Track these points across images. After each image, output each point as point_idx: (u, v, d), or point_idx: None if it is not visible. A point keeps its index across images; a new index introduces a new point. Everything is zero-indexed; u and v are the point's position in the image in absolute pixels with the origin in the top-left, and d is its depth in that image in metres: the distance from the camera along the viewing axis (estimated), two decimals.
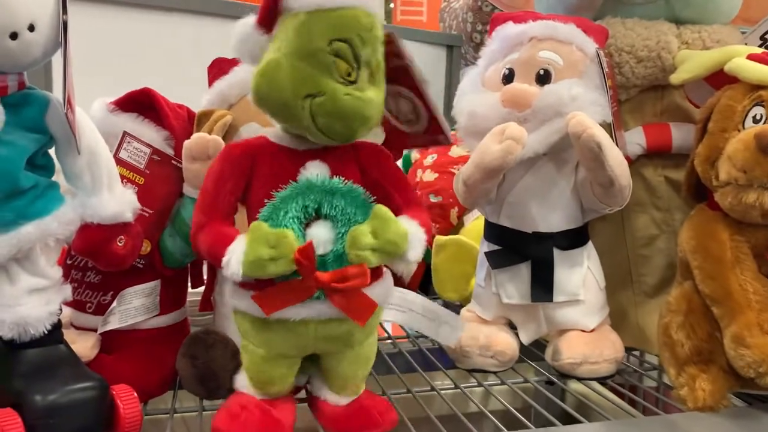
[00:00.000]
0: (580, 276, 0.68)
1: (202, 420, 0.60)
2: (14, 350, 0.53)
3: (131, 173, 0.63)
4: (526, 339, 0.71)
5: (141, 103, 0.66)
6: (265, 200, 0.51)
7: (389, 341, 0.86)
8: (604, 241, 0.76)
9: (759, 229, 0.62)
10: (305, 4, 0.49)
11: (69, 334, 0.60)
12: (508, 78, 0.66)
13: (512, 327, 0.73)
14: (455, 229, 0.99)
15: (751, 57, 0.62)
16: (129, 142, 0.63)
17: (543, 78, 0.65)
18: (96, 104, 0.65)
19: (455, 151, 1.05)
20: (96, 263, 0.58)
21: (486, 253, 0.70)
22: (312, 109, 0.49)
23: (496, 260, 0.68)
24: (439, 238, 0.88)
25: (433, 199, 1.00)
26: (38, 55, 0.50)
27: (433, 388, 0.69)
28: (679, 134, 0.75)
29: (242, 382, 0.56)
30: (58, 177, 0.56)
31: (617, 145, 0.64)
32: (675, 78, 0.70)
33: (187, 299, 0.72)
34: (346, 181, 0.52)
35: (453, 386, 0.72)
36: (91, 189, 0.55)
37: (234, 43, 0.53)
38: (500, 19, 0.70)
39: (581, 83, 0.64)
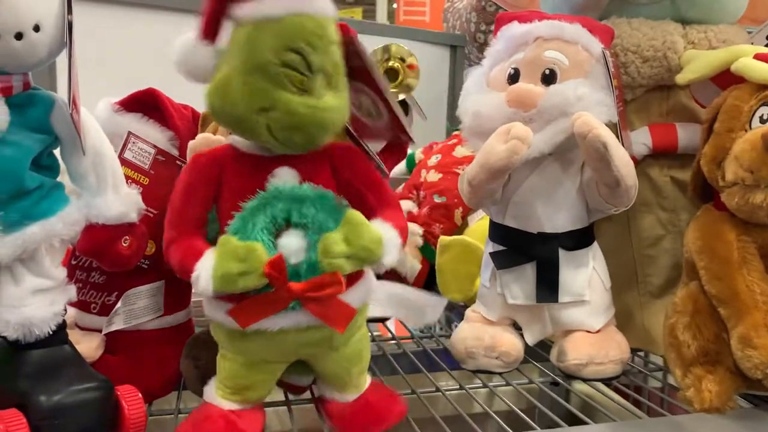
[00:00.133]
0: (585, 276, 0.68)
1: None
2: (19, 351, 0.53)
3: (136, 174, 0.63)
4: (531, 340, 0.71)
5: (146, 104, 0.66)
6: (233, 212, 0.50)
7: (393, 342, 0.86)
8: (610, 241, 0.75)
9: (766, 230, 0.61)
10: (250, 16, 0.47)
11: (73, 335, 0.60)
12: (514, 78, 0.66)
13: (517, 328, 0.73)
14: (459, 229, 0.99)
15: (758, 57, 0.62)
16: (134, 143, 0.63)
17: (548, 78, 0.64)
18: (101, 104, 0.65)
19: (459, 152, 1.04)
20: (101, 264, 0.58)
21: (491, 254, 0.69)
22: (269, 123, 0.48)
23: (501, 261, 0.68)
24: (444, 239, 0.87)
25: (437, 200, 1.00)
26: (43, 55, 0.50)
27: (438, 389, 0.69)
28: (685, 134, 0.74)
29: (210, 392, 0.55)
30: (63, 177, 0.56)
31: (623, 145, 0.63)
32: (681, 78, 0.69)
33: (191, 300, 0.72)
34: (316, 186, 0.51)
35: (457, 387, 0.71)
36: (96, 189, 0.55)
37: (177, 61, 0.51)
38: (505, 19, 0.70)
39: (587, 83, 0.63)
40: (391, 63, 0.81)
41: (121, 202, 0.56)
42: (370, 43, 0.84)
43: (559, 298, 0.67)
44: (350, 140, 0.65)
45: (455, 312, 1.02)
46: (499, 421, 0.61)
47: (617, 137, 0.63)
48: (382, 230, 0.50)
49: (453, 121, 1.38)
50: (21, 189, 0.50)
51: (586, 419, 0.61)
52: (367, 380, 0.58)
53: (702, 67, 0.68)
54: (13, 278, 0.52)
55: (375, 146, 0.76)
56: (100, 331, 0.64)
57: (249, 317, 0.49)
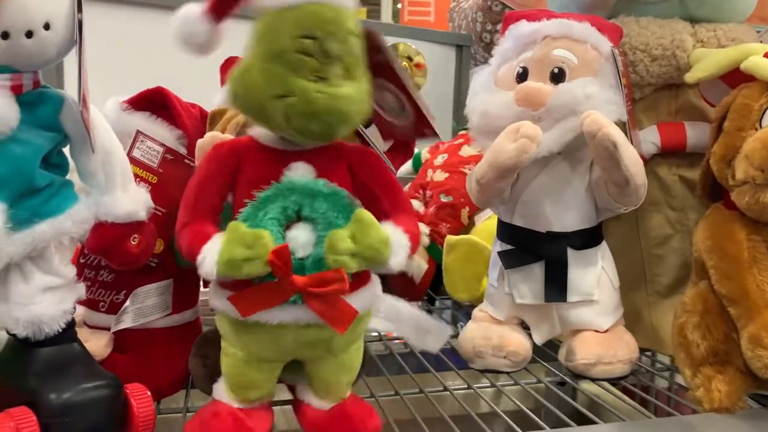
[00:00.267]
0: (594, 276, 0.68)
1: None
2: (28, 348, 0.53)
3: (144, 172, 0.63)
4: (539, 339, 0.71)
5: (154, 102, 0.66)
6: (246, 201, 0.50)
7: (400, 341, 0.86)
8: (618, 240, 0.75)
9: None
10: (271, 4, 0.48)
11: (82, 333, 0.60)
12: (522, 76, 0.66)
13: (525, 327, 0.73)
14: (466, 228, 0.98)
15: None
16: (142, 141, 0.63)
17: (557, 76, 0.64)
18: (109, 103, 0.65)
19: (466, 151, 1.04)
20: (110, 262, 0.58)
21: (499, 253, 0.69)
22: (285, 111, 0.48)
23: (510, 260, 0.68)
24: (450, 238, 0.87)
25: (443, 199, 1.00)
26: (53, 53, 0.50)
27: (446, 388, 0.69)
28: (694, 133, 0.74)
29: (220, 389, 0.55)
30: (72, 175, 0.56)
31: (632, 143, 0.63)
32: (690, 77, 0.69)
33: (199, 298, 0.72)
34: (330, 183, 0.51)
35: (465, 386, 0.71)
36: (105, 188, 0.55)
37: (175, 24, 0.51)
38: (513, 18, 0.69)
39: (596, 82, 0.63)
40: None
41: (130, 200, 0.56)
42: None
43: (567, 298, 0.67)
44: (358, 139, 0.65)
45: (462, 311, 1.02)
46: (508, 420, 0.60)
47: (626, 136, 0.63)
48: (391, 232, 0.50)
49: (459, 121, 1.38)
50: (31, 187, 0.50)
51: (595, 419, 0.60)
52: (349, 391, 0.58)
53: (711, 65, 0.67)
54: (23, 276, 0.52)
55: (383, 145, 0.76)
56: (108, 329, 0.64)
57: (249, 306, 0.49)
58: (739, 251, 0.61)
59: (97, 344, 0.62)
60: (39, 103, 0.51)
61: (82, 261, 0.65)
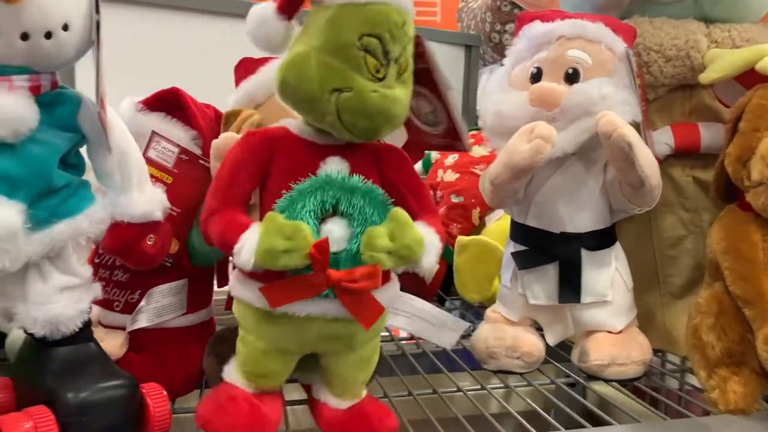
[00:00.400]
0: (607, 277, 0.68)
1: None
2: (46, 348, 0.53)
3: (160, 172, 0.63)
4: (552, 340, 0.71)
5: (169, 103, 0.66)
6: (282, 192, 0.50)
7: (413, 342, 0.86)
8: (631, 241, 0.75)
9: None
10: None
11: (97, 333, 0.60)
12: (536, 77, 0.66)
13: (537, 328, 0.73)
14: (477, 229, 0.99)
15: None
16: (157, 142, 0.63)
17: (571, 77, 0.64)
18: (124, 104, 0.65)
19: (476, 151, 1.04)
20: (126, 262, 0.59)
21: (513, 254, 0.69)
22: (338, 105, 0.48)
23: (523, 261, 0.68)
24: (462, 239, 0.87)
25: (454, 199, 1.00)
26: (72, 54, 0.50)
27: (459, 389, 0.69)
28: (708, 134, 0.74)
29: (231, 373, 0.55)
30: (88, 175, 0.56)
31: (646, 144, 0.63)
32: (704, 77, 0.69)
33: (213, 298, 0.72)
34: (365, 180, 0.51)
35: (475, 386, 0.71)
36: (121, 188, 0.55)
37: (249, 28, 0.52)
38: (527, 18, 0.70)
39: (611, 82, 0.63)
40: None
41: (146, 200, 0.56)
42: None
43: (581, 299, 0.67)
44: None
45: (472, 311, 1.02)
46: (522, 420, 0.60)
47: (640, 137, 0.63)
48: (424, 232, 0.50)
49: (469, 121, 1.38)
50: (49, 187, 0.50)
51: (608, 418, 0.60)
52: (365, 391, 0.58)
53: (726, 66, 0.67)
54: (41, 276, 0.52)
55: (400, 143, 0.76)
56: (123, 328, 0.64)
57: (281, 298, 0.49)
58: (755, 253, 0.61)
59: (113, 344, 0.62)
60: (57, 103, 0.51)
61: (97, 261, 0.65)
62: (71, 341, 0.53)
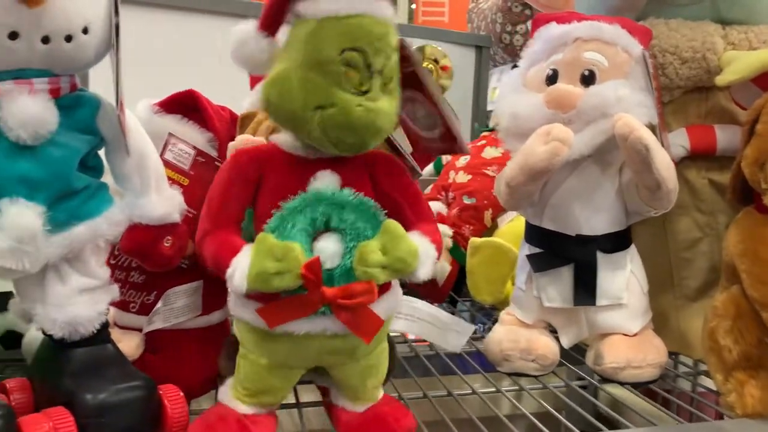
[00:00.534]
0: (623, 279, 0.67)
1: None
2: (64, 349, 0.53)
3: (176, 174, 0.63)
4: (566, 343, 0.71)
5: (185, 105, 0.66)
6: (273, 211, 0.50)
7: (426, 343, 0.85)
8: (646, 243, 0.75)
9: None
10: (315, 12, 0.47)
11: (114, 334, 0.60)
12: (552, 79, 0.66)
13: (552, 330, 0.73)
14: (489, 231, 0.98)
15: None
16: (174, 144, 0.63)
17: (587, 79, 0.64)
18: (140, 105, 0.65)
19: (488, 153, 1.04)
20: (143, 263, 0.59)
21: (528, 256, 0.69)
22: (322, 121, 0.47)
23: (539, 263, 0.68)
24: (475, 240, 0.87)
25: (466, 201, 1.00)
26: (91, 57, 0.51)
27: (474, 391, 0.69)
28: (724, 136, 0.73)
29: (225, 394, 0.55)
30: (106, 178, 0.56)
31: (662, 146, 0.63)
32: (721, 79, 0.68)
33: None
34: (356, 193, 0.51)
35: (487, 388, 0.71)
36: (139, 190, 0.55)
37: (232, 47, 0.51)
38: (543, 20, 0.69)
39: (627, 84, 0.63)
40: (425, 64, 0.81)
41: (164, 202, 0.56)
42: None
43: (596, 301, 0.66)
44: (387, 144, 0.65)
45: (482, 313, 1.02)
46: (536, 422, 0.60)
47: (656, 139, 0.63)
48: (419, 243, 0.50)
49: (481, 122, 1.38)
50: (69, 189, 0.51)
51: (624, 421, 0.60)
52: (380, 393, 0.58)
53: (743, 68, 0.67)
54: (60, 277, 0.52)
55: (408, 147, 0.76)
56: (139, 330, 0.64)
57: (277, 318, 0.49)
58: None
59: (129, 345, 0.62)
60: (76, 106, 0.52)
61: (113, 262, 0.65)
62: (89, 342, 0.54)
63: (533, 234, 0.70)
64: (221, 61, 0.53)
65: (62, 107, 0.50)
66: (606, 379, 0.68)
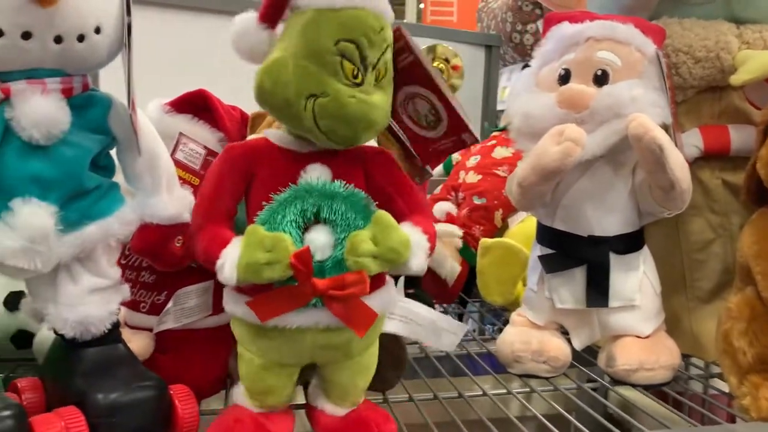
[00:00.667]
0: (636, 281, 0.67)
1: None
2: (75, 349, 0.53)
3: (187, 174, 0.63)
4: (578, 344, 0.70)
5: (196, 105, 0.66)
6: (263, 203, 0.50)
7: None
8: (658, 244, 0.74)
9: None
10: (314, 3, 0.48)
11: (124, 333, 0.60)
12: (564, 78, 0.65)
13: (563, 332, 0.72)
14: (499, 231, 0.98)
15: None
16: (185, 144, 0.63)
17: (600, 79, 0.63)
18: (151, 105, 0.65)
19: (499, 152, 1.04)
20: (154, 263, 0.59)
21: (540, 257, 0.68)
22: (315, 110, 0.48)
23: (551, 264, 0.67)
24: (485, 241, 0.87)
25: (477, 201, 1.00)
26: (103, 56, 0.51)
27: (485, 393, 0.69)
28: (739, 136, 0.73)
29: (239, 394, 0.55)
30: (117, 177, 0.56)
31: (676, 146, 0.62)
32: (735, 79, 0.68)
33: None
34: (347, 185, 0.51)
35: (497, 389, 0.71)
36: (150, 190, 0.55)
37: (233, 38, 0.52)
38: (555, 19, 0.69)
39: (641, 84, 0.62)
40: (435, 63, 0.80)
41: (175, 202, 0.56)
42: None
43: (609, 303, 0.66)
44: (396, 141, 0.65)
45: (492, 313, 1.02)
46: (547, 423, 0.60)
47: (670, 139, 0.62)
48: (410, 233, 0.50)
49: (491, 122, 1.38)
50: (80, 189, 0.51)
51: (636, 423, 0.60)
52: (363, 398, 0.58)
53: (757, 67, 0.66)
54: (71, 277, 0.52)
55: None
56: (149, 330, 0.64)
57: (269, 311, 0.49)
58: None
59: (139, 345, 0.62)
60: (88, 106, 0.52)
61: (123, 262, 0.66)
62: (100, 342, 0.54)
63: (545, 235, 0.69)
64: (232, 61, 0.53)
65: (74, 107, 0.50)
66: (618, 381, 0.67)
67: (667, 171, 0.59)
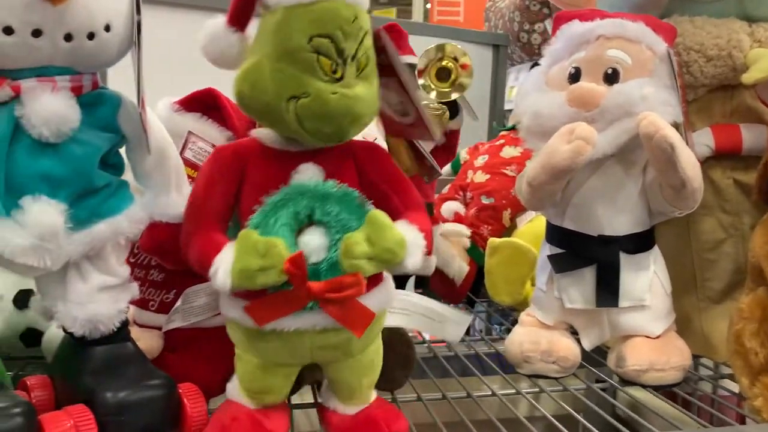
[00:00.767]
0: (646, 280, 0.66)
1: None
2: (84, 347, 0.53)
3: (196, 172, 0.63)
4: (588, 345, 0.70)
5: (205, 103, 0.66)
6: (255, 207, 0.49)
7: (444, 344, 0.85)
8: (669, 244, 0.73)
9: None
10: (281, 1, 0.47)
11: (133, 332, 0.60)
12: (575, 77, 0.65)
13: (572, 332, 0.72)
14: (508, 231, 0.98)
15: None
16: (194, 142, 0.63)
17: (611, 77, 0.63)
18: (161, 104, 0.65)
19: (507, 152, 1.04)
20: (163, 261, 0.59)
21: (549, 257, 0.68)
22: (298, 112, 0.46)
23: (560, 264, 0.67)
24: (494, 241, 0.86)
25: (485, 201, 0.99)
26: (113, 55, 0.51)
27: (493, 393, 0.69)
28: (750, 135, 0.72)
29: (234, 390, 0.54)
30: (126, 175, 0.56)
31: (687, 145, 0.62)
32: (747, 77, 0.67)
33: None
34: (340, 184, 0.49)
35: (506, 389, 0.71)
36: (160, 188, 0.55)
37: (202, 43, 0.51)
38: (565, 18, 0.68)
39: (652, 82, 0.62)
40: (444, 62, 0.80)
41: (183, 200, 0.56)
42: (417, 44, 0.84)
43: (619, 303, 0.66)
44: (407, 144, 0.65)
45: (500, 313, 1.01)
46: (556, 423, 0.60)
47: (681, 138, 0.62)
48: (406, 232, 0.48)
49: (499, 121, 1.37)
50: (90, 187, 0.51)
51: (645, 423, 0.59)
52: (373, 396, 0.57)
53: None
54: (81, 275, 0.52)
55: (427, 146, 0.76)
56: (158, 328, 0.64)
57: (265, 315, 0.48)
58: None
59: (148, 343, 0.62)
60: (98, 104, 0.52)
61: (132, 260, 0.66)
62: (109, 340, 0.54)
63: (554, 234, 0.69)
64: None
65: (84, 105, 0.50)
66: (627, 382, 0.67)
67: (678, 170, 0.58)
